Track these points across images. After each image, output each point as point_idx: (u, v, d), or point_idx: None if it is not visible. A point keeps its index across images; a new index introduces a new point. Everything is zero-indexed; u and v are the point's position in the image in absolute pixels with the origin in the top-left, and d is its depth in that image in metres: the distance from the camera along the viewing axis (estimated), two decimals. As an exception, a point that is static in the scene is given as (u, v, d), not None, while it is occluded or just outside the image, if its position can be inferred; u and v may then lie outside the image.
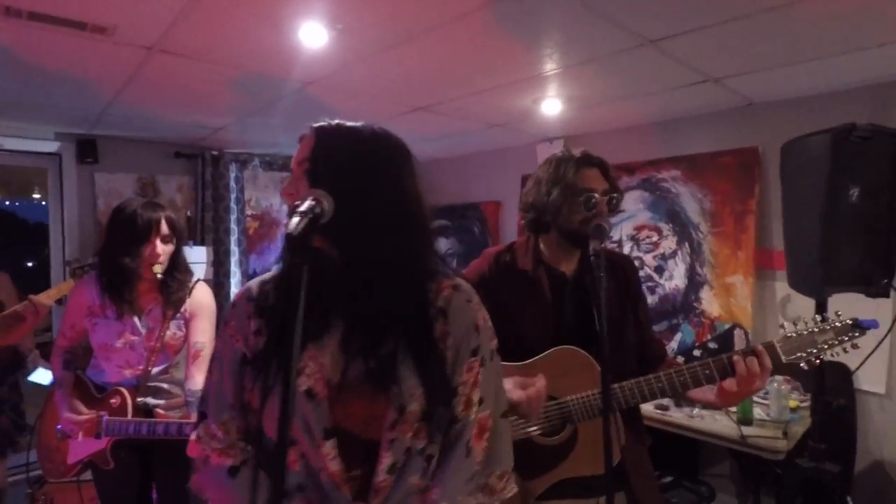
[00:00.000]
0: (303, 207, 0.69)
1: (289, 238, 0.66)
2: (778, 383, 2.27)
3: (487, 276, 1.44)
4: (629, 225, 3.22)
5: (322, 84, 2.37)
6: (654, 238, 3.11)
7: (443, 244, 4.58)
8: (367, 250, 0.81)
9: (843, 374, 2.49)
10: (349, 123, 0.88)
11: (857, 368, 2.00)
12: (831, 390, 2.33)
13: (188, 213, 3.62)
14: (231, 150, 4.08)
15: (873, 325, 1.23)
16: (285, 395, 0.61)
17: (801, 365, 1.20)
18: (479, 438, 0.84)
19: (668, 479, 2.66)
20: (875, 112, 2.33)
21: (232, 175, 4.06)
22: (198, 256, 3.48)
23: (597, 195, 1.32)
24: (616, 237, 3.27)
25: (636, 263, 3.17)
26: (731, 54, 2.01)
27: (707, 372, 1.20)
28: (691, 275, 2.96)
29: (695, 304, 2.93)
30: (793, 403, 2.27)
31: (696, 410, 2.32)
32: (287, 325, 0.64)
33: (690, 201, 2.96)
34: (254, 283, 0.91)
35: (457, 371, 0.85)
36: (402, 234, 0.83)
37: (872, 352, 1.92)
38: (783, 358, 1.19)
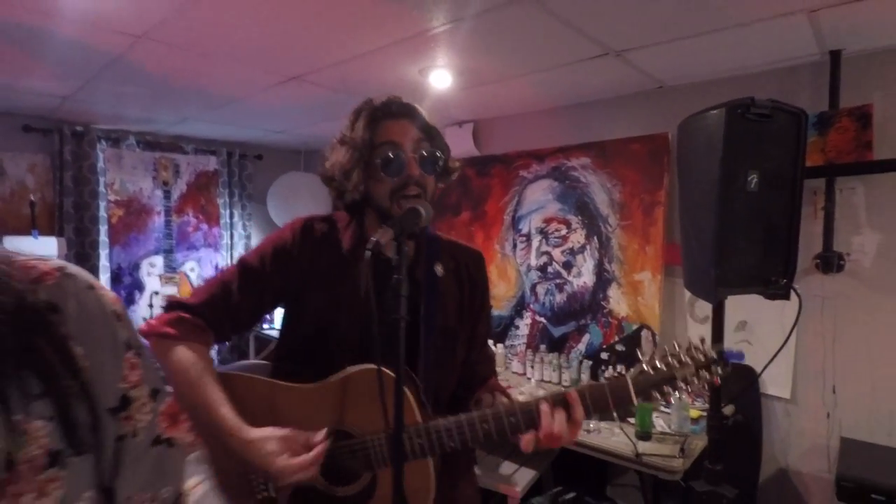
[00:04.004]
0: None
1: None
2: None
3: (290, 246, 1.04)
4: (538, 217, 2.96)
5: (154, 38, 1.94)
6: (563, 231, 2.86)
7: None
8: None
9: (748, 379, 2.33)
10: None
11: (762, 372, 1.82)
12: (736, 399, 2.16)
13: (31, 199, 3.05)
14: (101, 126, 3.53)
15: (738, 358, 1.00)
16: None
17: (656, 404, 0.95)
18: (176, 426, 0.68)
19: (570, 495, 2.43)
20: (784, 96, 2.15)
21: (101, 155, 3.51)
22: (45, 249, 2.95)
23: (400, 152, 0.97)
24: (525, 230, 3.01)
25: (544, 259, 2.96)
26: (622, 19, 1.75)
27: (513, 420, 0.91)
28: (600, 271, 2.73)
29: (603, 303, 2.71)
30: (694, 413, 2.07)
31: (592, 424, 2.08)
32: None
33: (600, 192, 2.73)
34: None
35: (118, 376, 0.62)
36: None
37: (776, 354, 1.73)
38: (635, 399, 0.91)
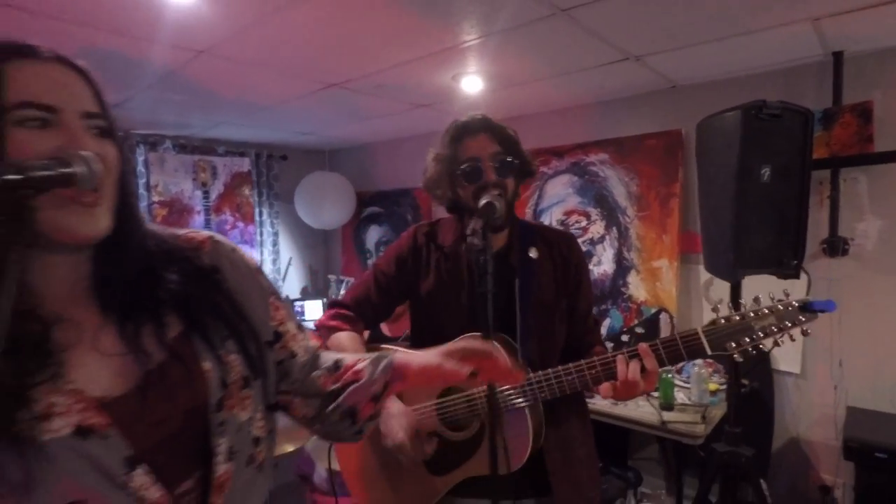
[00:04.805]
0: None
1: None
2: (698, 367, 2.26)
3: (405, 251, 1.31)
4: (559, 210, 3.15)
5: (215, 54, 2.13)
6: (583, 223, 3.05)
7: (375, 232, 4.41)
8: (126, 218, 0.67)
9: (760, 356, 2.52)
10: None
11: (772, 348, 2.00)
12: (749, 372, 2.34)
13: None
14: (139, 132, 3.73)
15: (829, 306, 0.99)
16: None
17: (735, 356, 1.02)
18: (322, 346, 0.90)
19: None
20: (790, 93, 2.34)
21: (140, 159, 3.71)
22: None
23: (479, 163, 1.17)
24: (547, 222, 3.20)
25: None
26: (644, 29, 1.94)
27: (593, 372, 1.09)
28: (619, 259, 2.92)
29: (622, 289, 2.90)
30: (712, 387, 2.26)
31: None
32: None
33: (618, 185, 2.91)
34: None
35: (268, 316, 0.80)
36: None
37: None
38: (708, 349, 1.01)
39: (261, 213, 4.36)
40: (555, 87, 2.71)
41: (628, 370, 1.04)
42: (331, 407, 0.83)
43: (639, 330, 2.82)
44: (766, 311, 0.98)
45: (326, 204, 4.24)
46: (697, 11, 1.79)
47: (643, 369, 1.04)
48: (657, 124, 2.79)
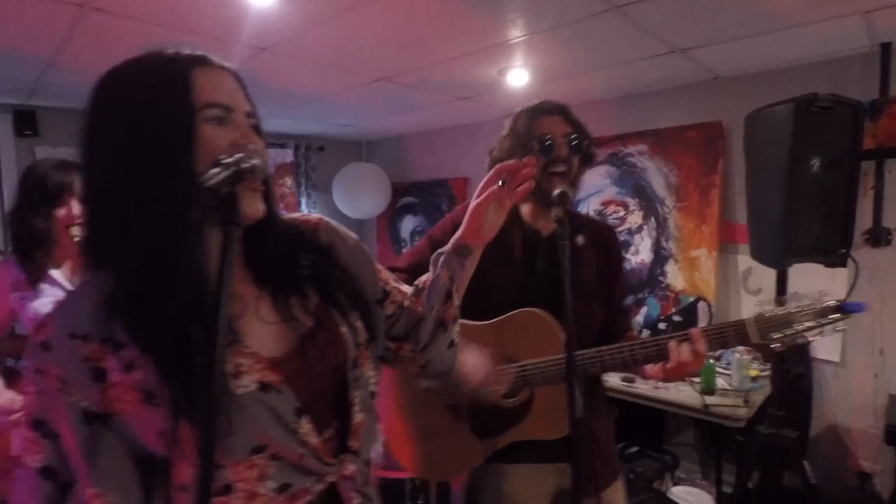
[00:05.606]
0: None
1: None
2: (739, 353, 2.31)
3: (460, 221, 1.37)
4: (596, 200, 3.20)
5: (277, 51, 2.24)
6: (621, 213, 3.10)
7: (410, 222, 4.51)
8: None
9: (800, 344, 2.56)
10: None
11: (808, 343, 2.04)
12: (789, 359, 2.39)
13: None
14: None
15: (859, 308, 1.05)
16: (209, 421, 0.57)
17: (773, 346, 1.10)
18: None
19: (634, 449, 2.70)
20: (834, 85, 2.36)
21: (188, 151, 3.87)
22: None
23: (553, 138, 1.25)
24: (584, 213, 3.26)
25: (603, 239, 3.21)
26: (694, 23, 1.98)
27: (645, 352, 1.17)
28: (657, 249, 2.97)
29: (660, 277, 2.96)
30: (753, 373, 2.32)
31: (660, 381, 2.35)
32: (211, 324, 0.58)
33: (656, 176, 2.95)
34: (64, 303, 0.69)
35: (376, 278, 0.91)
36: None
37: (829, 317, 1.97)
38: (753, 338, 1.09)
39: (299, 204, 4.49)
40: (597, 79, 2.76)
41: (680, 352, 1.12)
42: (422, 326, 0.93)
43: (676, 318, 2.88)
44: (807, 309, 1.06)
45: (363, 194, 4.35)
46: (749, 7, 1.83)
47: (693, 352, 1.12)
48: (697, 116, 2.82)
